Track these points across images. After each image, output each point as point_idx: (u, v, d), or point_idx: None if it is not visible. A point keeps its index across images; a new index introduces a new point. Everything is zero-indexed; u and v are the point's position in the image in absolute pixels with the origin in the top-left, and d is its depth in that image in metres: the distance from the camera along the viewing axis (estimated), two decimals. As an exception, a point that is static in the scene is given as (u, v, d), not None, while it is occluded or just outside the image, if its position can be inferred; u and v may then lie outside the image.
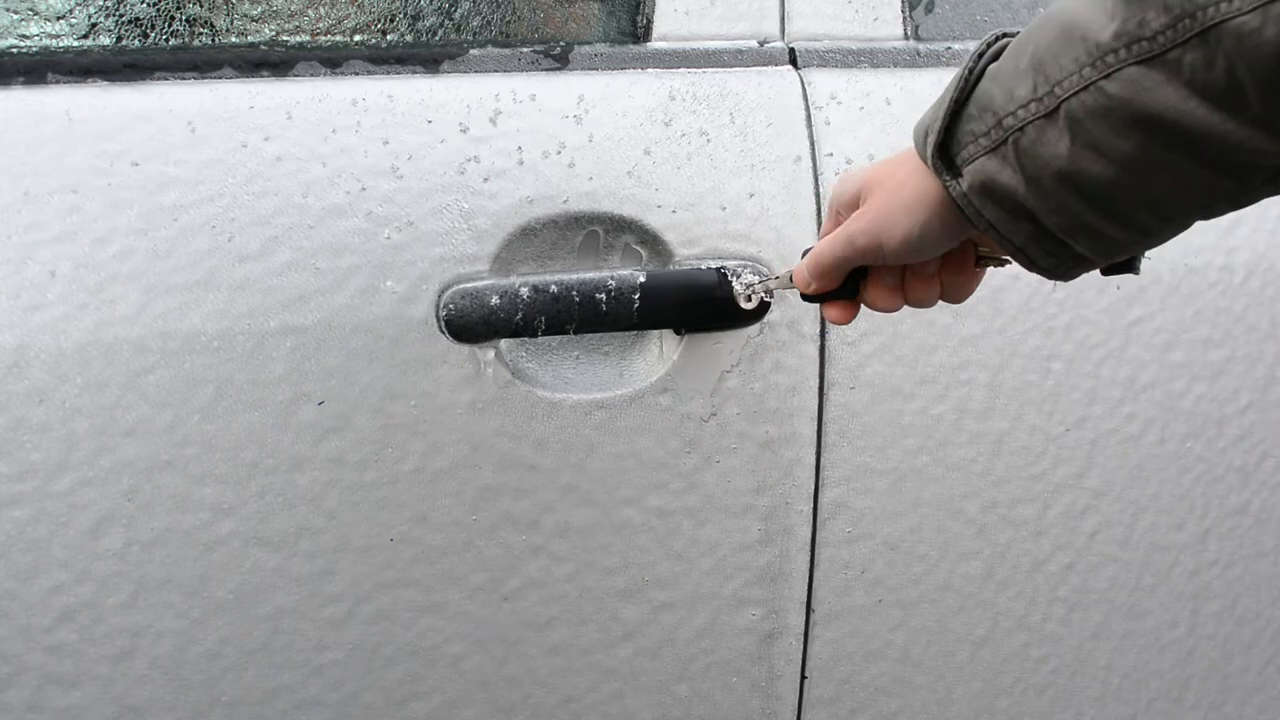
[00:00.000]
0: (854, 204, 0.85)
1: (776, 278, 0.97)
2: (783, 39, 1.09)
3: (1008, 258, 0.83)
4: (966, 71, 0.76)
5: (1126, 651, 1.24)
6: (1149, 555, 1.22)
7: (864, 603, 1.13)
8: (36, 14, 0.94)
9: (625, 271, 1.00)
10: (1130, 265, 0.80)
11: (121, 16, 0.95)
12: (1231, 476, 1.24)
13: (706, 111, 1.03)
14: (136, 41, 0.95)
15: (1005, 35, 0.77)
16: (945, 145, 0.77)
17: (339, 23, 1.01)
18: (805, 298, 0.90)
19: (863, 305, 0.89)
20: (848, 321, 0.90)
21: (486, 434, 0.98)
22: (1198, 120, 0.66)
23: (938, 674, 1.18)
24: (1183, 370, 1.19)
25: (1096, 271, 0.80)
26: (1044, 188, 0.72)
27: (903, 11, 1.13)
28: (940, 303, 0.88)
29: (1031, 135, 0.72)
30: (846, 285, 0.88)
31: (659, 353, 1.04)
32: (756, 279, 1.00)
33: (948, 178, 0.77)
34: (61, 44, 0.94)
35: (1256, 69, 0.63)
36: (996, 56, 0.76)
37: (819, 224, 1.05)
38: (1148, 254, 0.83)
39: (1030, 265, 0.77)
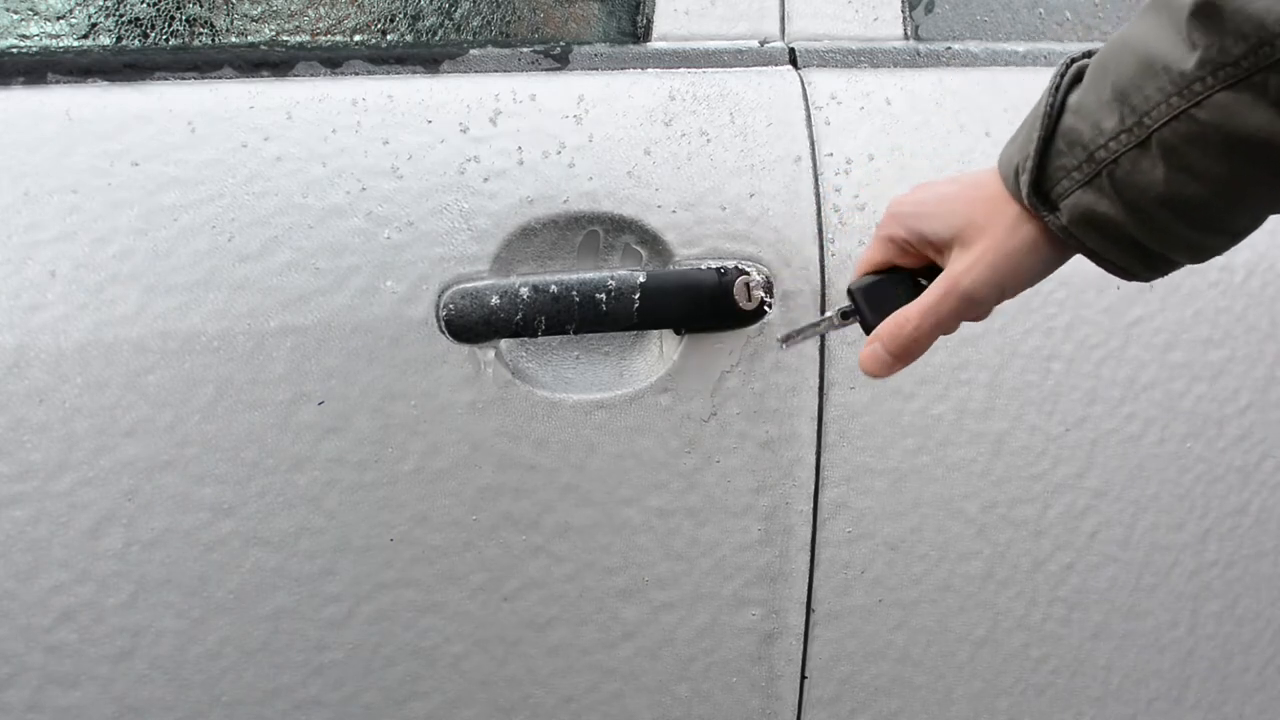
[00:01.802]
0: (943, 239, 0.84)
1: (812, 327, 0.94)
2: (783, 39, 1.09)
3: None
4: (1048, 107, 0.77)
5: (1126, 651, 1.24)
6: (1149, 555, 1.22)
7: (864, 603, 1.13)
8: (36, 14, 0.94)
9: (625, 271, 1.00)
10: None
11: (121, 16, 0.95)
12: (1231, 476, 1.24)
13: (706, 111, 1.03)
14: (136, 41, 0.95)
15: (1074, 61, 0.79)
16: (1038, 182, 0.78)
17: (339, 23, 1.01)
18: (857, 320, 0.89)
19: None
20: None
21: (486, 434, 0.98)
22: None
23: (938, 674, 1.18)
24: (1183, 370, 1.19)
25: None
26: (1145, 213, 0.75)
27: (903, 11, 1.13)
28: None
29: (1126, 166, 0.74)
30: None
31: (659, 353, 1.04)
32: (755, 279, 1.00)
33: (1045, 213, 0.78)
34: (61, 44, 0.94)
35: None
36: (1073, 84, 0.77)
37: (819, 224, 1.05)
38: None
39: (1130, 278, 0.80)
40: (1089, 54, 0.78)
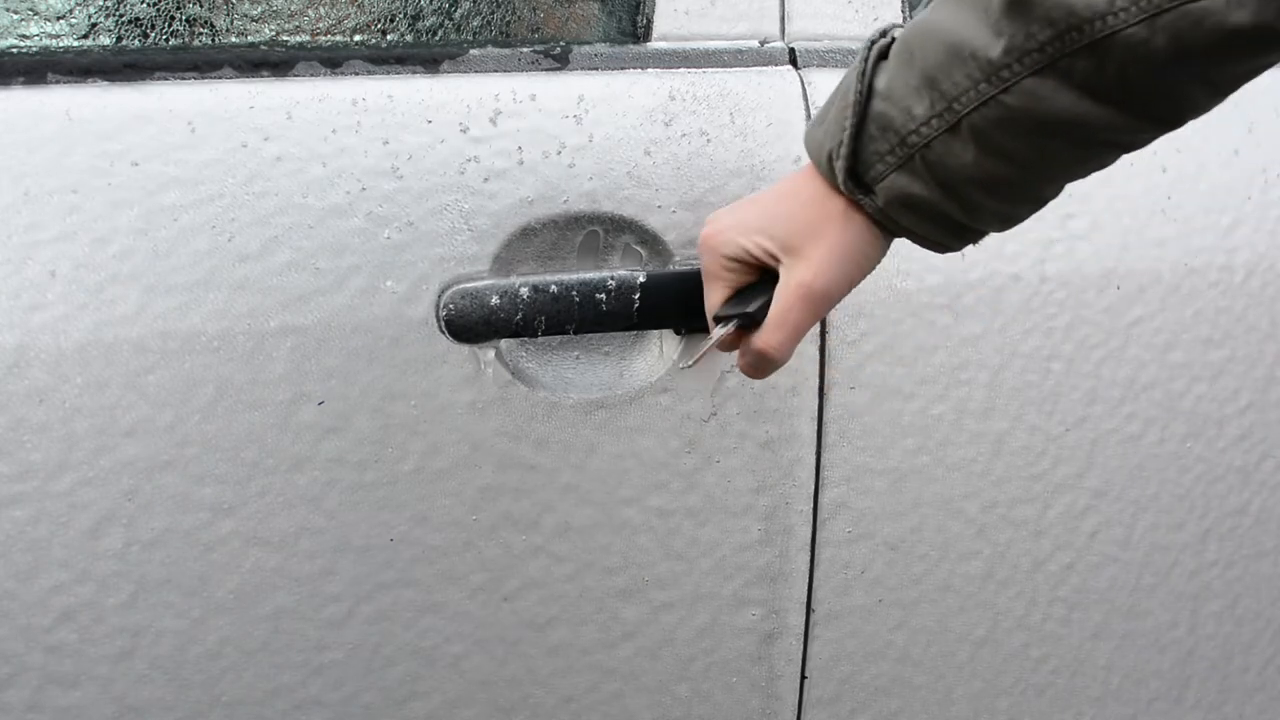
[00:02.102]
0: (773, 255, 0.85)
1: (713, 343, 0.93)
2: (783, 39, 1.09)
3: None
4: (857, 93, 0.79)
5: (1126, 651, 1.25)
6: (1149, 555, 1.22)
7: (864, 603, 1.13)
8: (36, 14, 0.94)
9: (625, 271, 1.00)
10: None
11: (121, 16, 0.95)
12: (1231, 476, 1.24)
13: (706, 111, 1.03)
14: (136, 41, 0.95)
15: (874, 43, 0.80)
16: (853, 167, 0.80)
17: (339, 23, 1.01)
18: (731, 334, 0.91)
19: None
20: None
21: (486, 434, 0.98)
22: (1095, 117, 0.72)
23: (938, 674, 1.18)
24: (1183, 370, 1.19)
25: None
26: (958, 192, 0.78)
27: (903, 12, 1.13)
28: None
29: (938, 149, 0.76)
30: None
31: (659, 353, 1.04)
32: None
33: (861, 196, 0.81)
34: (61, 44, 0.94)
35: (1148, 72, 0.69)
36: (877, 65, 0.79)
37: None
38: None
39: (942, 250, 0.83)
40: (884, 33, 0.80)
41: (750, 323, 0.90)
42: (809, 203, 0.84)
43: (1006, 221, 0.81)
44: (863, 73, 0.79)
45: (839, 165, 0.80)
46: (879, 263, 0.86)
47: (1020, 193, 0.78)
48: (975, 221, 0.80)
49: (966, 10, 0.74)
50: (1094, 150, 0.76)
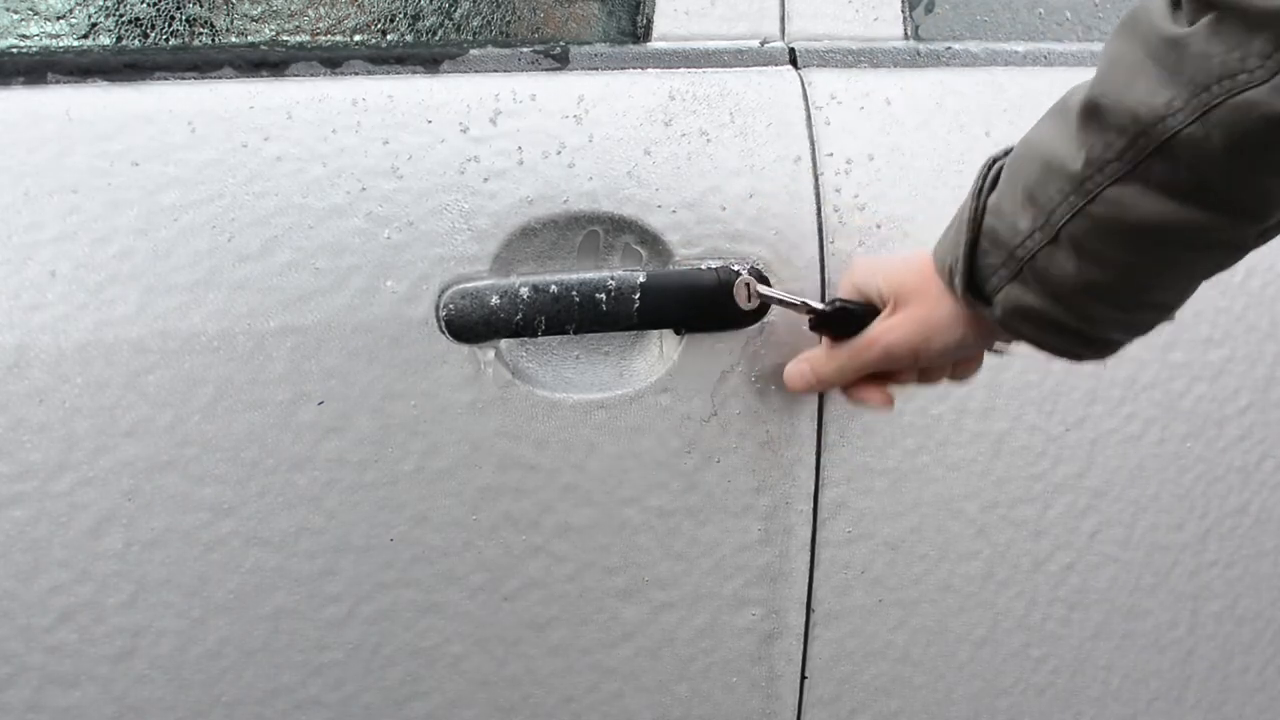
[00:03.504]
0: (879, 300, 0.95)
1: (793, 302, 1.00)
2: (783, 39, 1.09)
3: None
4: (972, 211, 0.84)
5: (1126, 651, 1.25)
6: (1149, 555, 1.22)
7: (864, 603, 1.13)
8: (36, 14, 0.94)
9: (625, 271, 1.00)
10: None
11: (121, 16, 0.95)
12: (1231, 476, 1.24)
13: (706, 111, 1.03)
14: (136, 41, 0.95)
15: (995, 162, 0.85)
16: (970, 279, 0.85)
17: (339, 23, 1.01)
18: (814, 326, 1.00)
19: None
20: (888, 405, 1.01)
21: (486, 434, 0.98)
22: (1181, 219, 0.74)
23: (938, 674, 1.18)
24: (1183, 370, 1.19)
25: None
26: (1066, 302, 0.81)
27: (903, 11, 1.13)
28: None
29: (1043, 261, 0.80)
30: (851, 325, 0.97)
31: (659, 353, 1.04)
32: (755, 282, 1.01)
33: (982, 308, 0.86)
34: (61, 44, 0.94)
35: (1214, 167, 0.71)
36: (994, 186, 0.84)
37: (819, 224, 1.05)
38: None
39: (1078, 359, 0.86)
40: (1008, 152, 0.85)
41: (818, 323, 0.99)
42: (922, 271, 0.91)
43: (1131, 329, 0.83)
44: (978, 190, 0.84)
45: (958, 281, 0.86)
46: (973, 351, 0.95)
47: (1130, 299, 0.80)
48: (1095, 330, 0.82)
49: (1056, 125, 0.78)
50: (1199, 253, 0.77)
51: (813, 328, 1.00)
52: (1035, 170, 0.79)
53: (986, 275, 0.84)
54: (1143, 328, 0.84)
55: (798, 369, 1.00)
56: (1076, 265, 0.78)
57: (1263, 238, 0.77)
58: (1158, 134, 0.71)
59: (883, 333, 0.93)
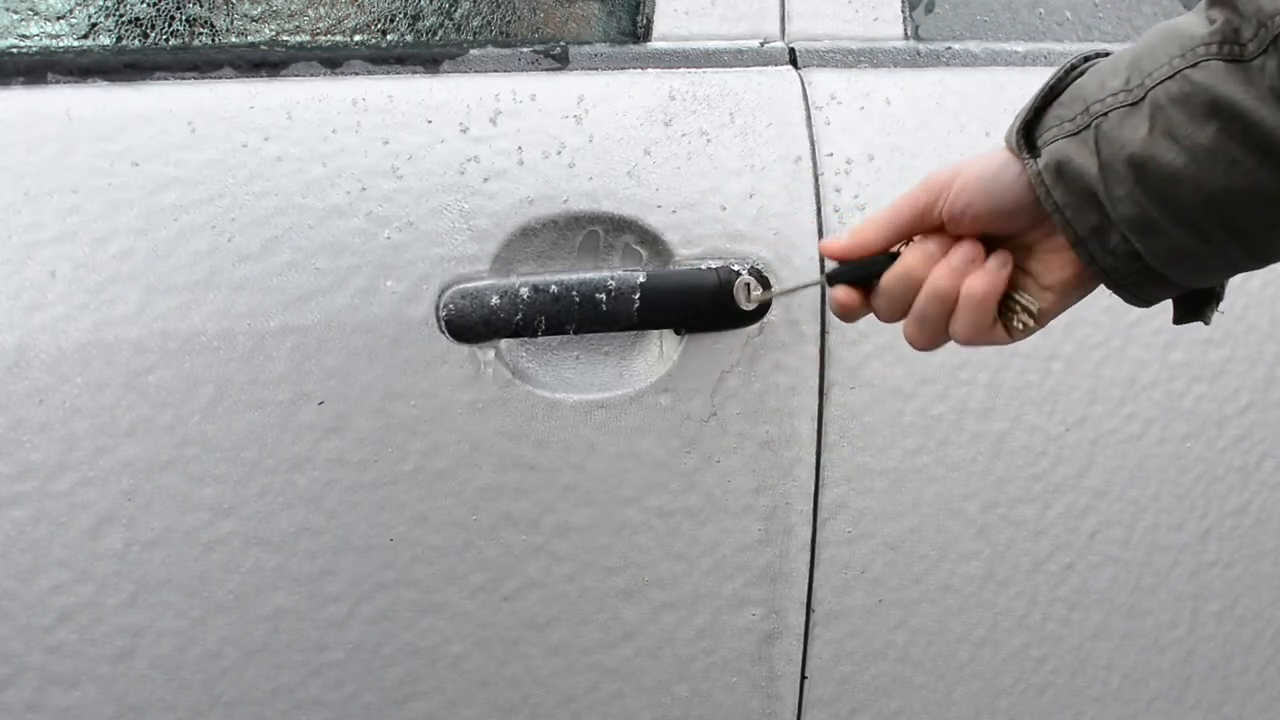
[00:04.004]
0: (947, 186, 0.83)
1: (797, 286, 1.00)
2: (783, 39, 1.09)
3: (1030, 321, 0.83)
4: (1069, 65, 0.79)
5: (1126, 651, 1.25)
6: (1149, 555, 1.22)
7: (864, 603, 1.13)
8: (36, 14, 0.94)
9: (625, 271, 1.00)
10: (1200, 312, 0.83)
11: (121, 16, 0.95)
12: (1231, 476, 1.24)
13: (706, 111, 1.03)
14: (136, 41, 0.95)
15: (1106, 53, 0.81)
16: (1030, 126, 0.79)
17: (339, 23, 1.01)
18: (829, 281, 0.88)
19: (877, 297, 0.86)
20: (851, 311, 0.87)
21: (486, 434, 0.98)
22: (1271, 120, 0.70)
23: (938, 674, 1.18)
24: (1183, 370, 1.19)
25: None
26: (1115, 172, 0.75)
27: (903, 11, 1.13)
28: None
29: (1114, 121, 0.75)
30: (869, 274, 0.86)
31: (659, 353, 1.04)
32: (755, 282, 1.00)
33: (1026, 155, 0.79)
34: (61, 44, 0.94)
35: None
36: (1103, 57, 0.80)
37: (819, 224, 1.05)
38: (1220, 309, 0.86)
39: (1090, 261, 0.79)
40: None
41: (835, 278, 0.88)
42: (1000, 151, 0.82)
43: (1158, 247, 0.76)
44: (1087, 56, 0.80)
45: (1017, 122, 0.80)
46: (1008, 215, 0.81)
47: (1178, 198, 0.73)
48: (1127, 224, 0.75)
49: (1189, 15, 0.75)
50: (1269, 170, 0.71)
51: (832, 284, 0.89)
52: (1154, 39, 0.75)
53: (1049, 125, 0.78)
54: (1174, 256, 0.76)
55: (834, 237, 0.89)
56: (1145, 134, 0.73)
57: None
58: (1276, 26, 0.68)
59: (938, 174, 0.84)
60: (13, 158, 0.88)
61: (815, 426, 1.07)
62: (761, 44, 1.08)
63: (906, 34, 1.13)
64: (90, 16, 0.95)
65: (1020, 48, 1.17)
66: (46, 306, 0.88)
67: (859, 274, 0.86)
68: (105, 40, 0.95)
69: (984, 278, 0.82)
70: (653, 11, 1.05)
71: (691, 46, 1.06)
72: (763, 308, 1.01)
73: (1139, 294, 0.80)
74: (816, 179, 1.05)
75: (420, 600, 1.00)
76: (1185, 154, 0.73)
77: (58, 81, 0.91)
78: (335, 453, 0.95)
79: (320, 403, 0.94)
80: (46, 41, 0.94)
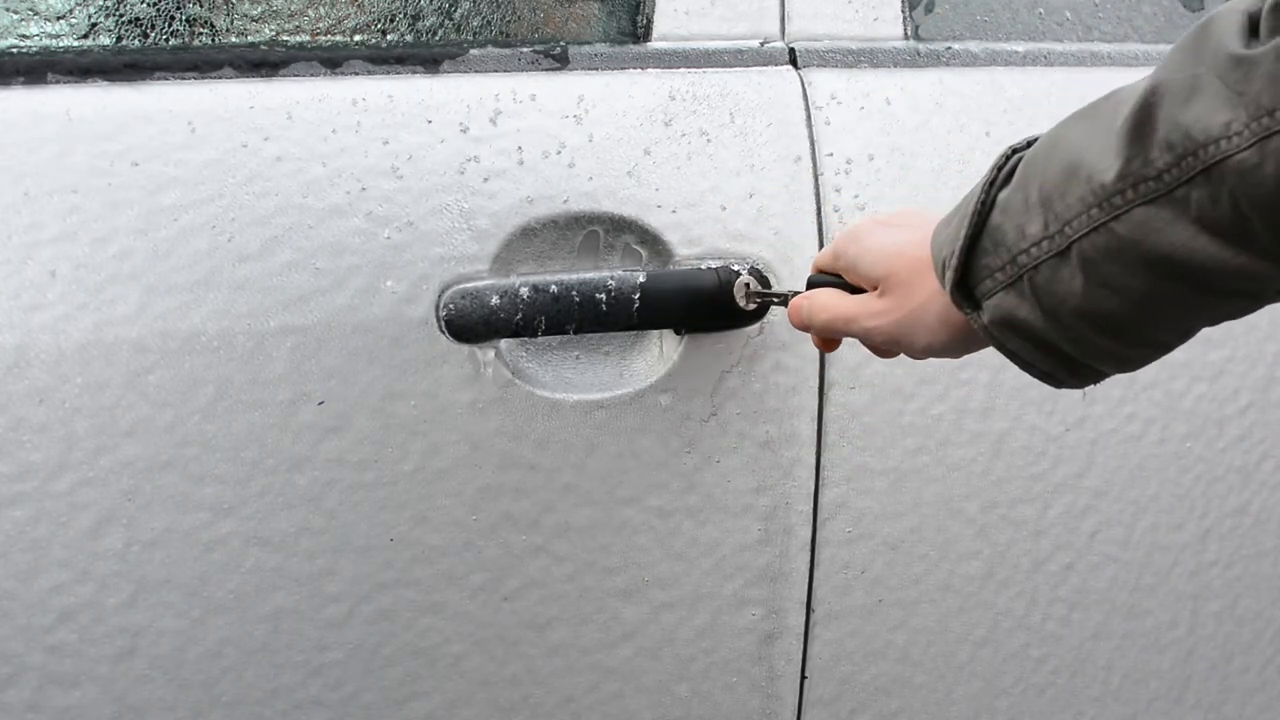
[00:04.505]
0: (869, 281, 0.87)
1: (778, 296, 1.00)
2: (783, 39, 1.09)
3: None
4: (979, 204, 0.76)
5: (1126, 651, 1.24)
6: (1149, 555, 1.22)
7: (864, 603, 1.13)
8: (36, 14, 0.94)
9: (625, 271, 1.00)
10: None
11: (121, 16, 0.95)
12: (1231, 476, 1.24)
13: (706, 111, 1.03)
14: (136, 41, 0.95)
15: (1015, 152, 0.77)
16: (964, 277, 0.77)
17: (339, 23, 1.01)
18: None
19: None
20: (833, 349, 0.96)
21: (486, 434, 0.98)
22: (1209, 256, 0.66)
23: (938, 674, 1.18)
24: (1183, 370, 1.19)
25: None
26: (1062, 322, 0.73)
27: (903, 11, 1.13)
28: None
29: (1046, 274, 0.72)
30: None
31: (659, 353, 1.04)
32: (755, 282, 1.00)
33: (969, 310, 0.78)
34: (61, 44, 0.94)
35: (1259, 204, 0.64)
36: (1008, 179, 0.76)
37: (819, 224, 1.05)
38: None
39: (1058, 385, 0.79)
40: (1031, 143, 0.77)
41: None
42: (917, 260, 0.83)
43: (1122, 362, 0.76)
44: (990, 183, 0.76)
45: (949, 276, 0.77)
46: (959, 355, 0.85)
47: (1130, 333, 0.73)
48: (1086, 357, 0.75)
49: (1093, 127, 0.70)
50: (1218, 299, 0.70)
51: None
52: (1058, 172, 0.71)
53: (981, 277, 0.76)
54: (1135, 363, 0.76)
55: (797, 304, 0.93)
56: (1082, 286, 0.71)
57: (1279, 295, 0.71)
58: (1207, 156, 0.64)
59: (866, 316, 0.86)
60: (13, 158, 0.88)
61: (815, 426, 1.07)
62: (761, 44, 1.08)
63: (906, 34, 1.13)
64: (90, 16, 0.95)
65: (1020, 48, 1.17)
66: (46, 306, 0.88)
67: (840, 282, 0.91)
68: (105, 40, 0.95)
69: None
70: (653, 11, 1.05)
71: (691, 46, 1.06)
72: (763, 308, 1.01)
73: (1099, 382, 0.80)
74: (816, 179, 1.05)
75: (420, 600, 1.00)
76: (1128, 302, 0.70)
77: (58, 81, 0.91)
78: (335, 453, 0.95)
79: (320, 403, 0.94)
80: (46, 41, 0.94)
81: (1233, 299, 0.70)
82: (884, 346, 0.88)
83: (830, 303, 0.90)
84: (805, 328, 0.93)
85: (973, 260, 0.76)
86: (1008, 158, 0.77)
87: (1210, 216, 0.65)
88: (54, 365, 0.88)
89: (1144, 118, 0.67)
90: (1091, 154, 0.69)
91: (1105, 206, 0.68)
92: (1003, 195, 0.75)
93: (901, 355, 0.89)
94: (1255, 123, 0.62)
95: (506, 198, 0.97)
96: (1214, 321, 0.73)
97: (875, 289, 0.87)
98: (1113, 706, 1.26)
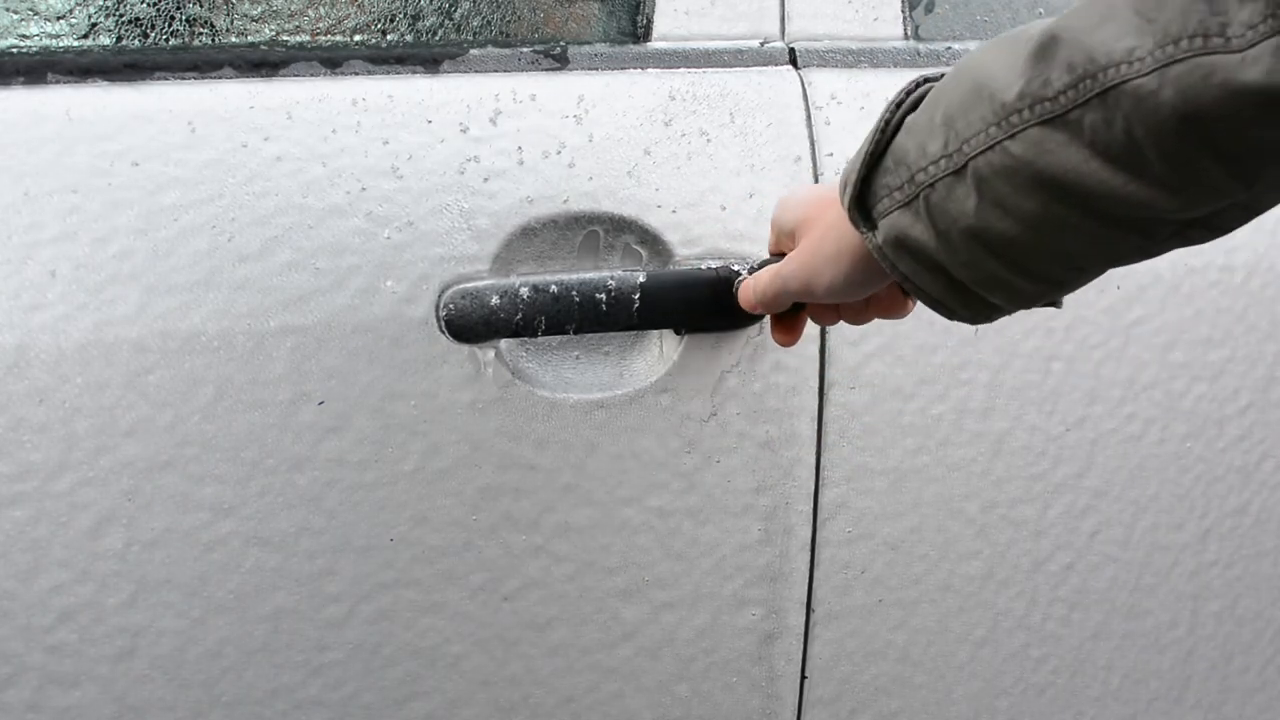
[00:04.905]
0: (791, 234, 0.88)
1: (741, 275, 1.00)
2: (783, 39, 1.09)
3: None
4: (883, 123, 0.76)
5: (1126, 651, 1.25)
6: (1149, 555, 1.22)
7: (864, 603, 1.13)
8: (36, 14, 0.94)
9: (625, 271, 1.00)
10: (1052, 302, 0.81)
11: (121, 16, 0.95)
12: (1231, 476, 1.24)
13: (706, 111, 1.03)
14: (136, 41, 0.95)
15: (927, 81, 0.77)
16: (862, 196, 0.77)
17: (339, 23, 1.01)
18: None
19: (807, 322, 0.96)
20: (790, 343, 0.96)
21: (486, 434, 0.98)
22: (1100, 181, 0.66)
23: (938, 674, 1.18)
24: (1183, 370, 1.19)
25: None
26: (953, 243, 0.73)
27: (903, 11, 1.13)
28: None
29: (941, 192, 0.72)
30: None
31: (659, 353, 1.04)
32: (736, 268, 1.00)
33: (864, 229, 0.78)
34: (61, 44, 0.94)
35: (1153, 130, 0.64)
36: (915, 106, 0.76)
37: (819, 224, 1.05)
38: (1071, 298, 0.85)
39: (949, 315, 0.79)
40: (942, 76, 0.76)
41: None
42: (824, 201, 0.84)
43: (1013, 297, 0.75)
44: (898, 104, 0.76)
45: (848, 193, 0.77)
46: (872, 291, 0.84)
47: (1019, 259, 0.72)
48: (975, 284, 0.75)
49: (1001, 52, 0.70)
50: (1106, 227, 0.69)
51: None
52: (963, 92, 0.71)
53: (880, 196, 0.76)
54: (1024, 299, 0.76)
55: (745, 285, 0.95)
56: (975, 205, 0.70)
57: (1177, 239, 0.70)
58: (1106, 80, 0.64)
59: (781, 266, 0.87)
60: (13, 158, 0.88)
61: (815, 426, 1.07)
62: (761, 44, 1.08)
63: (906, 34, 1.13)
64: (90, 16, 0.95)
65: (1020, 48, 1.17)
66: (46, 306, 0.88)
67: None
68: (105, 40, 0.95)
69: (895, 306, 0.88)
70: (653, 11, 1.05)
71: (691, 46, 1.06)
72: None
73: (985, 321, 0.80)
74: (817, 179, 1.05)
75: (420, 600, 1.00)
76: (1019, 224, 0.70)
77: (58, 81, 0.91)
78: (335, 453, 0.95)
79: (320, 403, 0.94)
80: (46, 41, 0.94)
81: (1124, 232, 0.69)
82: (800, 293, 0.87)
83: (762, 272, 0.91)
84: (753, 306, 0.94)
85: (873, 179, 0.77)
86: (918, 84, 0.77)
87: (1103, 141, 0.65)
88: (54, 365, 0.88)
89: (1050, 40, 0.67)
90: (997, 74, 0.70)
91: (1003, 125, 0.68)
92: (910, 118, 0.76)
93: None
94: (1160, 50, 0.62)
95: (506, 198, 0.97)
96: (1106, 261, 0.73)
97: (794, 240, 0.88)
98: (1113, 706, 1.26)
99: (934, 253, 0.74)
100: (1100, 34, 0.65)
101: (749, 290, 0.94)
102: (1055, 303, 0.80)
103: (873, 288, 0.83)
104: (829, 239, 0.82)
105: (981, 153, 0.70)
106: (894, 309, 0.89)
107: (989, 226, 0.71)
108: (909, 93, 0.77)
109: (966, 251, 0.73)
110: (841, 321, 0.92)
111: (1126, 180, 0.66)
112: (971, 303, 0.77)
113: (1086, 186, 0.67)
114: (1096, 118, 0.65)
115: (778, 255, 0.92)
